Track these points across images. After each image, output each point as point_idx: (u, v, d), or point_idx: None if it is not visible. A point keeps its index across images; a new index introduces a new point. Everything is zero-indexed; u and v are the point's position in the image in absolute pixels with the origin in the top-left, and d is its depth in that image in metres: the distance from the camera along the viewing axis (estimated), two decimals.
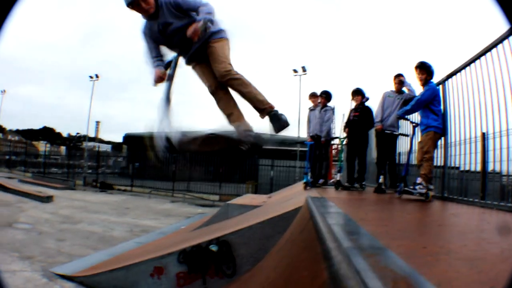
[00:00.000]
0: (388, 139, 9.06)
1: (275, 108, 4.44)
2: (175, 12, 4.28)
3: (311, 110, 10.71)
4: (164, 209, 19.79)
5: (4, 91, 52.27)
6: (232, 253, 6.59)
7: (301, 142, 23.64)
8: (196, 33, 4.13)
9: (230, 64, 4.44)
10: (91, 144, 45.11)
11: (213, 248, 6.71)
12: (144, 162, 31.22)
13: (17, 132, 60.24)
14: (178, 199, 25.21)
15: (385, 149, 9.16)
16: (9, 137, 52.88)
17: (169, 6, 4.23)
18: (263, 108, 4.42)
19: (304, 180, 10.50)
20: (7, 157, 42.30)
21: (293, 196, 9.63)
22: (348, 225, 3.50)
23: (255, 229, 6.68)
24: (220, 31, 4.60)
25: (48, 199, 19.78)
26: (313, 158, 10.37)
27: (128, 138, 40.51)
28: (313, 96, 10.77)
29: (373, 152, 10.48)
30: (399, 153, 9.98)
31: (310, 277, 2.87)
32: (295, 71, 37.36)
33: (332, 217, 3.88)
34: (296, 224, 5.58)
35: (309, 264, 3.15)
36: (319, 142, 10.35)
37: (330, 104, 10.39)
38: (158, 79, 4.39)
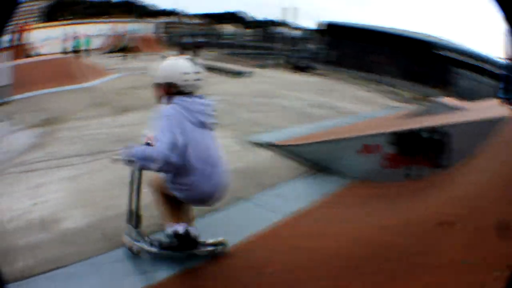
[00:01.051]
0: None
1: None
2: None
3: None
4: (361, 96, 19.39)
5: None
6: (443, 143, 6.84)
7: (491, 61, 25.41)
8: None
9: None
10: (283, 29, 45.42)
11: (425, 135, 7.00)
12: (342, 50, 32.92)
13: (197, 16, 62.55)
14: (373, 89, 24.63)
15: None
16: (186, 20, 54.79)
17: None
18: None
19: (499, 96, 10.91)
20: (185, 40, 43.55)
21: (493, 107, 9.74)
22: None
23: (471, 125, 6.98)
24: None
25: (240, 74, 19.96)
26: (509, 78, 11.14)
27: (328, 26, 41.03)
28: None
29: None
30: None
31: None
32: None
33: None
34: None
35: None
36: None
37: None
38: None
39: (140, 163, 3.67)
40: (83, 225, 4.99)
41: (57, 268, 4.21)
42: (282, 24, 46.23)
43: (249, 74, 20.97)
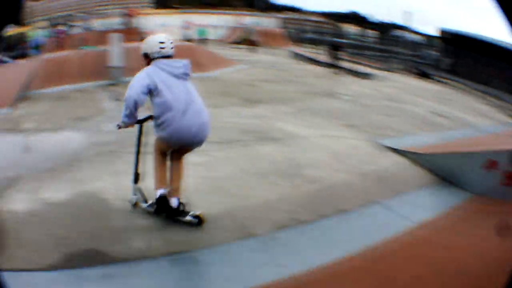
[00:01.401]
0: None
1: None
2: None
3: None
4: (480, 109, 18.66)
5: None
6: None
7: None
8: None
9: None
10: (404, 33, 44.50)
11: None
12: (463, 60, 31.58)
13: (319, 13, 62.55)
14: (491, 103, 23.58)
15: None
16: (308, 17, 55.04)
17: None
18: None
19: None
20: (308, 35, 43.58)
21: None
22: None
23: None
24: None
25: (367, 75, 20.09)
26: None
27: (455, 35, 39.78)
28: None
29: None
30: None
31: None
32: None
33: None
34: None
35: None
36: None
37: None
38: None
39: (125, 120, 4.68)
40: (215, 212, 5.06)
41: (182, 252, 4.36)
42: (403, 27, 45.31)
43: (376, 76, 20.85)
